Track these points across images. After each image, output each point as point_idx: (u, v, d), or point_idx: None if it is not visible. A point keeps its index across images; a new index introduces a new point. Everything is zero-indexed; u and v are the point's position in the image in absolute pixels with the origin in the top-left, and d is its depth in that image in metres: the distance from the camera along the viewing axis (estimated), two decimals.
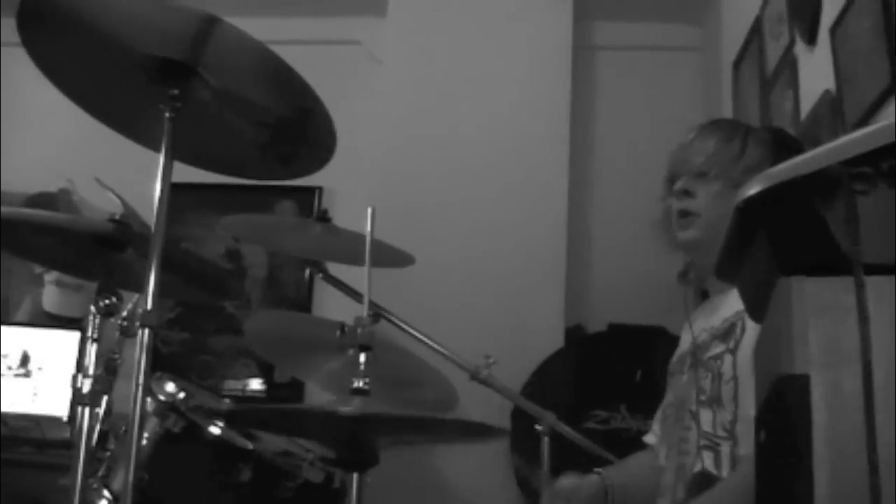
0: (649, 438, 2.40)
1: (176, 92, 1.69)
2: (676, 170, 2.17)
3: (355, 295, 2.69)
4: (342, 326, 1.75)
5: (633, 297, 4.01)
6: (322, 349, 2.88)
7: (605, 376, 3.66)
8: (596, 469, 2.29)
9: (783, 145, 2.08)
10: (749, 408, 1.86)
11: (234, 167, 1.98)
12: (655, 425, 2.40)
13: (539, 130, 4.07)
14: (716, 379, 1.97)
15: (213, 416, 2.12)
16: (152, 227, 1.66)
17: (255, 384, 4.24)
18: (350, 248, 2.73)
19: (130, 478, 1.51)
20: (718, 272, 1.38)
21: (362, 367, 1.64)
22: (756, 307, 1.32)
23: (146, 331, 1.59)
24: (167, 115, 1.70)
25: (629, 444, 3.43)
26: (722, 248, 1.26)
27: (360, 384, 1.59)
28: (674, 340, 3.72)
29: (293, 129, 1.73)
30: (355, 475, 1.51)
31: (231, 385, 4.23)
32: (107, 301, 1.92)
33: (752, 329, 1.91)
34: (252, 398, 4.20)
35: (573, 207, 4.04)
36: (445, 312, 3.61)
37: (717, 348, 2.01)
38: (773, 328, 1.16)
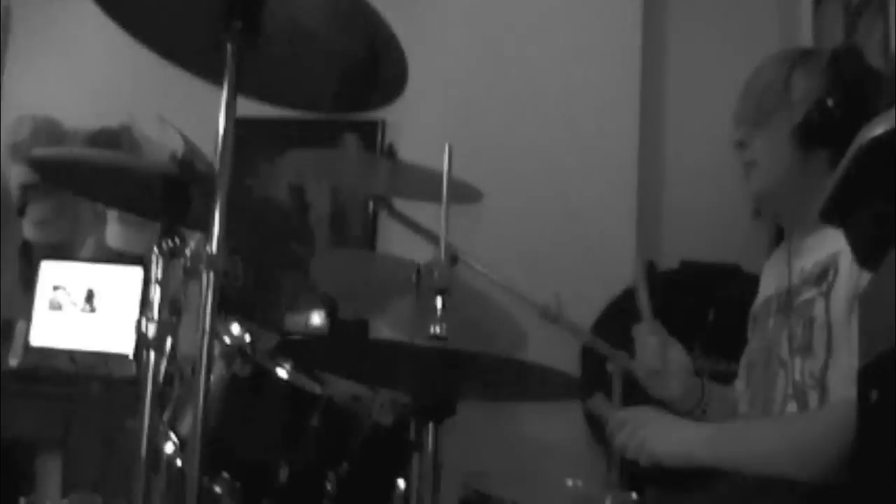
0: (738, 384, 2.32)
1: (240, 24, 1.60)
2: (736, 116, 2.10)
3: (423, 232, 2.63)
4: (417, 269, 1.66)
5: (706, 234, 3.90)
6: (390, 289, 2.84)
7: (676, 315, 3.53)
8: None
9: (839, 66, 1.95)
10: (843, 356, 1.79)
11: (301, 102, 1.90)
12: (741, 370, 2.31)
13: (609, 66, 3.97)
14: (807, 325, 1.88)
15: (280, 355, 2.06)
16: (216, 166, 1.58)
17: (318, 319, 4.19)
18: (416, 183, 2.66)
19: (199, 426, 1.43)
20: (824, 215, 1.27)
21: (440, 312, 1.55)
22: (869, 255, 1.21)
23: (211, 274, 1.52)
24: (230, 48, 1.61)
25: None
26: (833, 190, 1.15)
27: (438, 330, 1.51)
28: (748, 279, 3.64)
29: (364, 65, 1.64)
30: (431, 425, 1.44)
31: (293, 320, 4.19)
32: (170, 242, 1.86)
33: (846, 272, 1.81)
34: (314, 336, 4.15)
35: (644, 142, 3.94)
36: (512, 250, 3.54)
37: (809, 293, 1.90)
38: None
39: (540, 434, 3.49)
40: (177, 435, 2.08)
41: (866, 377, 1.15)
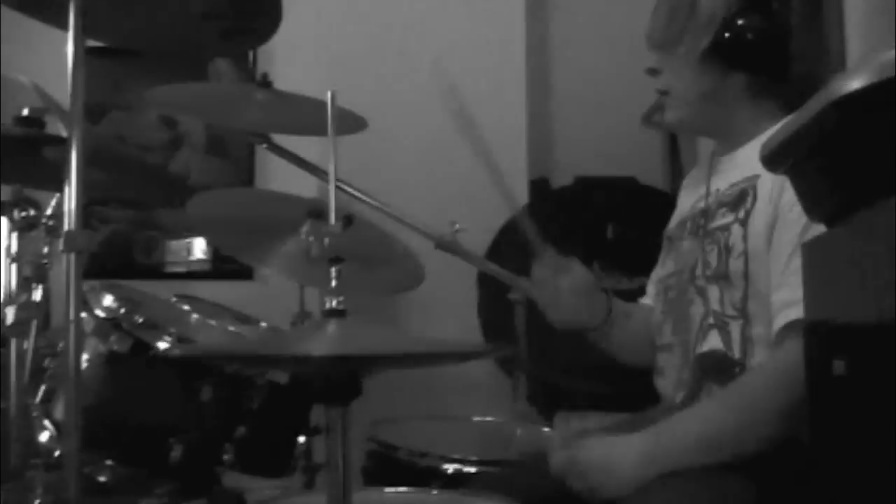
0: (644, 300, 2.23)
1: None
2: (647, 43, 1.97)
3: (308, 167, 2.46)
4: (306, 234, 1.50)
5: (598, 149, 3.81)
6: (276, 230, 2.66)
7: (574, 233, 3.44)
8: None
9: None
10: (762, 285, 1.71)
11: (162, 41, 1.69)
12: (650, 287, 2.22)
13: None
14: (722, 253, 1.78)
15: (162, 332, 1.88)
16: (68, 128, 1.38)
17: (199, 252, 3.99)
18: (296, 115, 2.49)
19: (73, 416, 1.26)
20: (767, 160, 1.16)
21: (334, 284, 1.39)
22: (817, 205, 1.10)
23: (72, 257, 1.33)
24: None
25: None
26: (787, 138, 1.04)
27: (335, 304, 1.35)
28: (645, 191, 3.58)
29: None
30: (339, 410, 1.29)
31: (173, 258, 3.99)
32: (24, 213, 1.65)
33: (765, 199, 1.72)
34: (196, 273, 3.95)
35: (532, 61, 3.81)
36: (401, 179, 3.38)
37: (725, 218, 1.81)
38: (857, 252, 0.96)
39: (445, 371, 3.38)
40: (52, 422, 1.90)
41: (828, 342, 1.04)
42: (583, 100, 3.95)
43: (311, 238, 1.47)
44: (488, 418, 2.63)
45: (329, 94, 1.50)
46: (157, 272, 3.97)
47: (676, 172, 3.76)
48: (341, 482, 1.24)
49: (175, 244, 4.00)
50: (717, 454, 1.65)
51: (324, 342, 1.29)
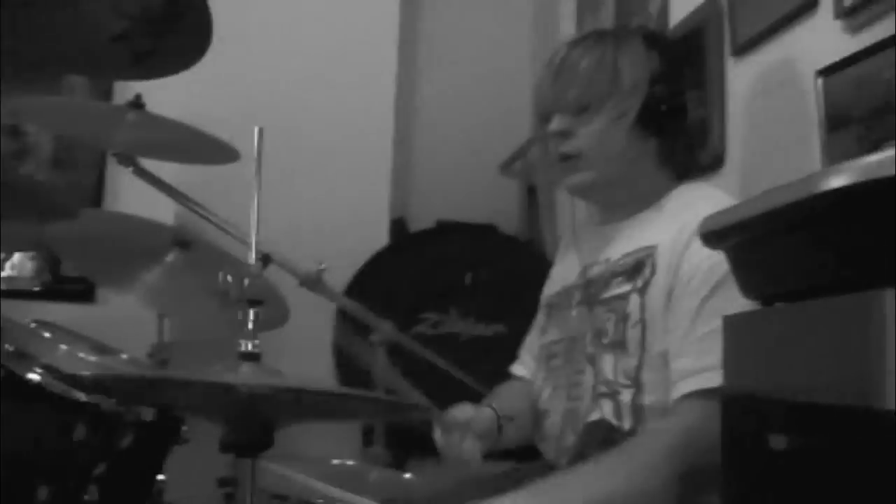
0: (517, 369, 2.24)
1: None
2: (547, 107, 1.94)
3: (175, 195, 2.38)
4: (224, 276, 1.43)
5: (458, 194, 3.82)
6: (139, 256, 2.56)
7: (433, 277, 3.44)
8: (487, 402, 2.07)
9: (658, 49, 1.89)
10: (657, 354, 1.73)
11: (67, 62, 1.60)
12: (525, 356, 2.22)
13: (365, 20, 3.80)
14: (620, 321, 1.80)
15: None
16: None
17: (28, 269, 3.78)
18: (166, 137, 2.40)
19: None
20: (709, 238, 1.19)
21: (251, 327, 1.34)
22: (755, 287, 1.14)
23: None
24: None
25: (460, 349, 3.30)
26: (739, 222, 1.08)
27: (250, 347, 1.29)
28: (504, 240, 3.61)
29: (159, 21, 1.37)
30: (249, 461, 1.23)
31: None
32: None
33: (664, 270, 1.75)
34: (24, 293, 3.72)
35: (399, 107, 3.82)
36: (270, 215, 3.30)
37: (621, 287, 1.82)
38: (803, 333, 1.01)
39: None
40: None
41: (764, 418, 1.07)
42: (445, 142, 3.97)
43: (229, 279, 1.40)
44: (347, 461, 2.58)
45: (256, 131, 1.45)
46: None
47: (533, 222, 3.82)
48: None
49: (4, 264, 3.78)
50: None
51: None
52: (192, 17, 1.38)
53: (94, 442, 1.81)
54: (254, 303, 1.37)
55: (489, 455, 2.02)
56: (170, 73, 1.57)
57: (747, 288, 1.18)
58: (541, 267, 3.29)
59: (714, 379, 1.55)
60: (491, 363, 2.39)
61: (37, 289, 3.66)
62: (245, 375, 1.26)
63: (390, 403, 1.66)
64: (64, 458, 1.80)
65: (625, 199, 1.93)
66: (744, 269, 1.18)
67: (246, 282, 1.39)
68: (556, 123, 1.89)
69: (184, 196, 2.38)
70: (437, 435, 2.00)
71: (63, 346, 1.95)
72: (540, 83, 1.98)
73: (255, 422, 1.23)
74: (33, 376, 1.76)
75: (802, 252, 1.02)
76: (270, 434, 1.25)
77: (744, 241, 1.13)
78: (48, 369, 1.78)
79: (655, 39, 1.92)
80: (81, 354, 1.97)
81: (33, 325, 2.15)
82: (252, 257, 1.44)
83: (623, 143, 1.85)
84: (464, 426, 1.94)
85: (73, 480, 1.79)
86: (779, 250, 1.06)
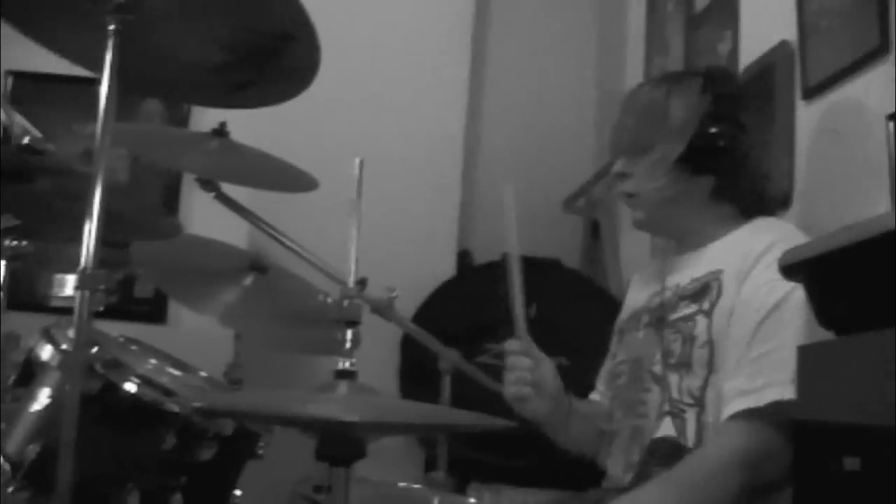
0: (593, 397, 2.29)
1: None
2: (614, 146, 2.08)
3: (255, 220, 2.45)
4: (325, 297, 1.51)
5: (523, 227, 3.87)
6: (220, 278, 2.65)
7: (497, 308, 3.49)
8: None
9: (714, 89, 1.95)
10: (721, 374, 1.79)
11: (174, 86, 1.69)
12: (600, 384, 2.28)
13: (439, 68, 3.92)
14: (687, 342, 1.86)
15: (165, 392, 1.84)
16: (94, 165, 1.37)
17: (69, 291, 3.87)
18: (246, 166, 2.49)
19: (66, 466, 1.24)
20: (788, 271, 1.25)
21: (349, 346, 1.41)
22: (831, 317, 1.20)
23: (86, 294, 1.33)
24: (111, 28, 1.40)
25: None
26: (815, 256, 1.14)
27: (347, 365, 1.37)
28: (568, 273, 3.67)
29: (264, 53, 1.46)
30: (342, 470, 1.31)
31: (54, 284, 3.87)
32: (13, 243, 1.62)
33: (730, 292, 1.81)
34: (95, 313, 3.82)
35: (468, 141, 3.90)
36: (338, 239, 3.39)
37: (687, 309, 1.89)
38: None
39: None
40: (4, 456, 1.84)
41: (834, 440, 1.12)
42: (511, 178, 4.02)
43: (329, 300, 1.48)
44: (414, 486, 2.63)
45: (357, 162, 1.53)
46: (42, 307, 3.82)
47: (596, 257, 3.87)
48: None
49: (57, 278, 3.91)
50: None
51: (340, 406, 1.30)
52: (299, 53, 1.45)
53: (182, 452, 1.88)
54: (351, 323, 1.44)
55: (547, 480, 2.09)
56: (270, 103, 1.65)
57: (823, 318, 1.23)
58: (603, 301, 3.37)
59: (763, 398, 1.65)
60: None
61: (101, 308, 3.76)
62: (341, 395, 1.33)
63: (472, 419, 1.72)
64: (154, 466, 1.88)
65: (688, 233, 2.01)
66: (820, 299, 1.23)
67: (345, 303, 1.46)
68: (617, 165, 2.02)
69: (263, 222, 2.45)
70: (507, 387, 2.08)
71: (152, 360, 2.04)
72: (614, 123, 2.08)
73: (350, 436, 1.30)
74: (130, 386, 1.84)
75: (878, 284, 1.07)
76: (363, 445, 1.32)
77: (821, 273, 1.19)
78: (143, 379, 1.87)
79: (713, 81, 1.97)
80: (169, 368, 2.05)
81: (121, 339, 2.24)
82: (351, 280, 1.51)
83: (670, 182, 1.93)
84: (531, 381, 2.03)
85: (160, 488, 1.87)
86: (855, 282, 1.12)
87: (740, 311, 1.78)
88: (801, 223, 2.20)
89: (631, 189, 2.00)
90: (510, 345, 2.09)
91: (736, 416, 1.71)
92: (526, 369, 2.04)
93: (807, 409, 1.27)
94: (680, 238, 2.06)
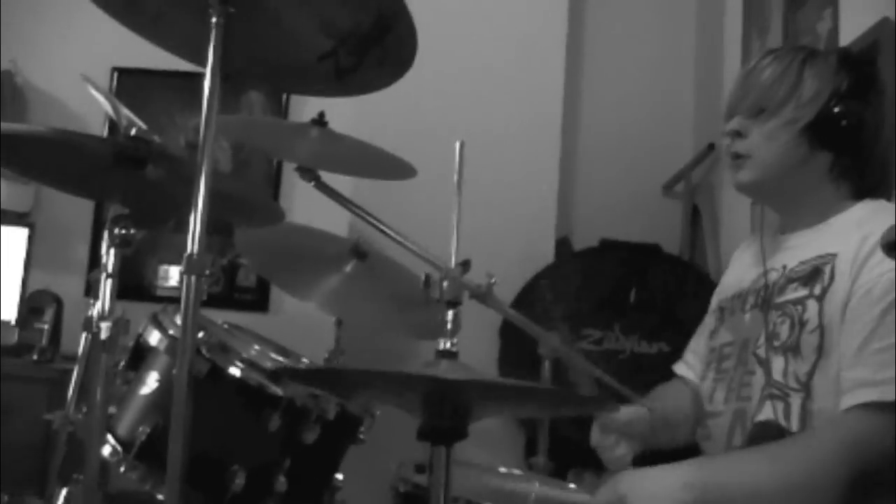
0: (680, 369, 2.26)
1: None
2: (731, 106, 2.00)
3: (353, 208, 2.47)
4: (426, 277, 1.53)
5: (622, 212, 3.87)
6: (319, 265, 2.69)
7: (596, 294, 3.49)
8: (643, 402, 2.13)
9: (849, 69, 1.91)
10: (832, 361, 1.73)
11: (277, 75, 1.72)
12: (690, 356, 2.26)
13: (535, 59, 3.89)
14: (796, 326, 1.81)
15: (270, 375, 1.90)
16: (196, 153, 1.41)
17: (174, 282, 3.98)
18: (346, 155, 2.52)
19: (179, 449, 1.27)
20: (890, 247, 1.20)
21: (450, 326, 1.43)
22: None
23: (192, 279, 1.36)
24: (214, 20, 1.43)
25: (623, 364, 3.35)
26: None
27: (449, 345, 1.38)
28: (667, 259, 3.64)
29: (366, 40, 1.48)
30: (443, 450, 1.32)
31: (160, 274, 4.00)
32: (123, 231, 1.67)
33: (844, 278, 1.75)
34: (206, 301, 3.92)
35: (567, 115, 3.88)
36: (437, 225, 3.41)
37: (797, 292, 1.84)
38: None
39: None
40: (116, 437, 1.90)
41: None
42: (610, 164, 4.02)
43: (433, 279, 1.50)
44: (515, 471, 2.64)
45: (458, 145, 1.54)
46: (149, 295, 3.96)
47: (696, 241, 3.83)
48: None
49: (162, 269, 4.01)
50: (760, 502, 1.66)
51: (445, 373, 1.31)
52: (398, 37, 1.47)
53: (286, 434, 1.92)
54: (452, 304, 1.45)
55: (643, 456, 2.09)
56: (370, 90, 1.67)
57: None
58: (703, 286, 3.34)
59: (890, 393, 1.58)
60: (653, 380, 2.43)
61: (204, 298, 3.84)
62: (446, 369, 1.34)
63: (574, 395, 1.72)
64: (260, 447, 1.93)
65: (796, 208, 1.96)
66: None
67: (445, 283, 1.47)
68: (733, 123, 1.95)
69: (362, 209, 2.47)
70: (594, 434, 2.08)
71: (256, 346, 2.08)
72: (734, 82, 2.03)
73: (451, 410, 1.30)
74: (235, 370, 1.89)
75: None
76: (465, 424, 1.33)
77: None
78: (248, 363, 1.91)
79: (850, 61, 1.93)
80: (272, 354, 2.09)
81: (226, 326, 2.29)
82: (452, 261, 1.53)
83: (790, 148, 1.88)
84: (620, 428, 2.02)
85: (266, 469, 1.91)
86: None
87: (861, 299, 1.71)
88: None
89: (745, 150, 1.93)
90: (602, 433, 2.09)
91: (860, 407, 1.65)
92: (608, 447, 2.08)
93: None
94: (784, 210, 2.01)
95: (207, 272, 1.39)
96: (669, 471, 1.71)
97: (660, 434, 2.11)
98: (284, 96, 3.99)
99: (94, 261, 1.77)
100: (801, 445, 1.72)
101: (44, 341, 3.59)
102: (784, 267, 1.92)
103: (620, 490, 1.70)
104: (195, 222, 1.40)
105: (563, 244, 3.75)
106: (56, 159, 1.77)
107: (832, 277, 1.78)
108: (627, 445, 2.04)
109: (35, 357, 3.52)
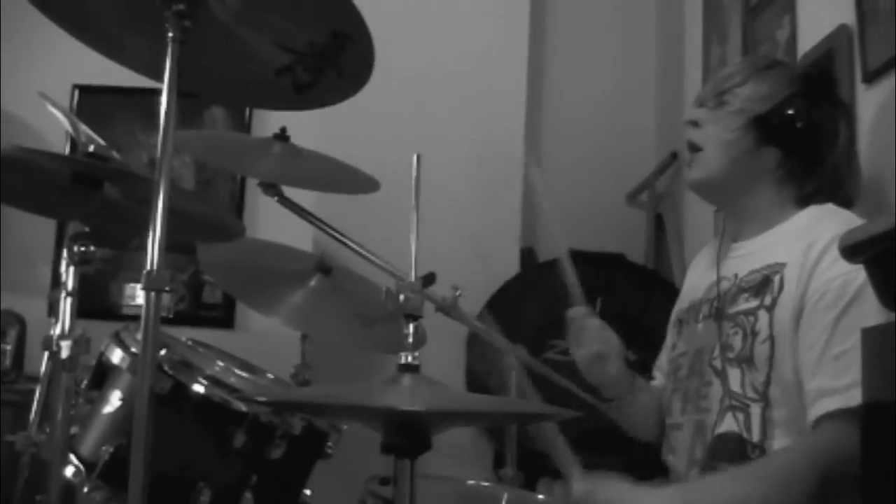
0: (655, 385, 2.29)
1: (182, 7, 1.42)
2: (695, 101, 2.05)
3: (318, 222, 2.47)
4: (387, 291, 1.53)
5: (586, 222, 3.87)
6: (286, 280, 2.68)
7: (562, 305, 3.48)
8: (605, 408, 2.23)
9: (809, 79, 1.94)
10: (786, 371, 1.76)
11: (236, 90, 1.72)
12: (657, 373, 2.28)
13: (495, 58, 3.90)
14: (748, 337, 1.84)
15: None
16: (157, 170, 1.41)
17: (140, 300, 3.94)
18: (308, 170, 2.52)
19: (140, 459, 1.27)
20: (849, 252, 1.23)
21: (411, 340, 1.43)
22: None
23: (152, 296, 1.36)
24: (171, 36, 1.43)
25: None
26: (875, 236, 1.12)
27: (410, 359, 1.38)
28: (633, 268, 3.65)
29: (323, 54, 1.48)
30: (407, 463, 1.32)
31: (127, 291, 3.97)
32: (82, 248, 1.66)
33: (793, 288, 1.78)
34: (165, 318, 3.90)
35: (529, 131, 3.89)
36: (401, 239, 3.41)
37: (748, 303, 1.86)
38: None
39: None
40: (78, 457, 1.89)
41: None
42: (573, 174, 4.02)
43: (390, 293, 1.49)
44: (483, 483, 2.63)
45: (414, 158, 1.54)
46: (114, 314, 3.92)
47: (660, 250, 3.85)
48: None
49: (128, 287, 3.99)
50: None
51: (404, 397, 1.31)
52: (355, 51, 1.47)
53: (252, 450, 1.91)
54: (412, 317, 1.45)
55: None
56: (330, 103, 1.67)
57: (886, 299, 1.22)
58: (668, 295, 3.34)
59: (853, 398, 1.58)
60: None
61: (171, 316, 3.84)
62: (407, 387, 1.34)
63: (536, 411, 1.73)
64: (225, 464, 1.92)
65: (745, 210, 1.98)
66: (883, 280, 1.21)
67: (402, 297, 1.47)
68: (690, 112, 2.02)
69: (325, 224, 2.47)
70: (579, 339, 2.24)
71: (219, 363, 2.07)
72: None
73: (410, 429, 1.31)
74: (198, 387, 1.88)
75: None
76: (428, 436, 1.33)
77: (883, 252, 1.17)
78: (211, 380, 1.90)
79: (812, 73, 2.01)
80: (236, 370, 2.08)
81: (189, 343, 2.28)
82: (413, 275, 1.53)
83: (738, 137, 1.92)
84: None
85: (232, 486, 1.90)
86: None
87: (814, 307, 1.73)
88: (864, 208, 2.17)
89: (698, 139, 1.98)
90: (574, 311, 2.12)
91: (827, 417, 1.67)
92: (594, 329, 2.17)
93: (871, 390, 1.26)
94: (733, 214, 2.05)
95: (167, 288, 1.38)
96: (652, 494, 1.73)
97: (640, 396, 2.20)
98: (247, 111, 3.97)
99: (58, 281, 1.76)
100: (771, 465, 1.74)
101: (7, 362, 3.56)
102: (735, 276, 1.95)
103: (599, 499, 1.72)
104: (154, 238, 1.40)
105: (528, 255, 3.76)
106: (15, 177, 1.76)
107: (781, 287, 1.80)
108: (611, 360, 2.18)
109: None
